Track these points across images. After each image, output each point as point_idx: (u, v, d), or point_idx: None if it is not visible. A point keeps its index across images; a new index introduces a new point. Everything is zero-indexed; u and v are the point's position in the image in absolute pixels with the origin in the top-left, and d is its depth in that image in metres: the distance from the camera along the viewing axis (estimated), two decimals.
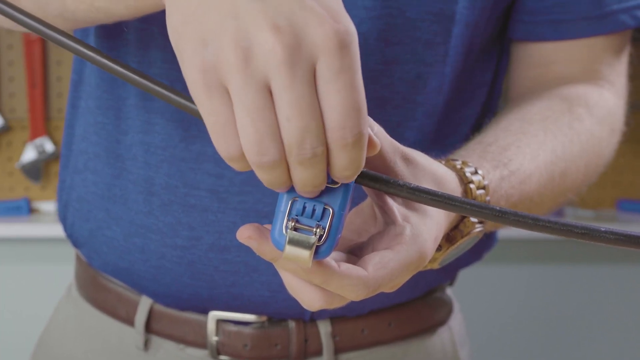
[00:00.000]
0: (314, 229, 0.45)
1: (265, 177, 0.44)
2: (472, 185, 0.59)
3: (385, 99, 0.73)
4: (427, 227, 0.52)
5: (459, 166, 0.59)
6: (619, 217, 2.28)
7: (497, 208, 0.44)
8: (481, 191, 0.60)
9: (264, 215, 0.73)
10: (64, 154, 0.85)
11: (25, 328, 2.09)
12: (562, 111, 0.74)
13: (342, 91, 0.42)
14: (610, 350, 2.27)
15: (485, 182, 0.60)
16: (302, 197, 0.46)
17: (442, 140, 0.76)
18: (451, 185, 0.56)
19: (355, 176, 0.45)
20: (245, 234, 0.47)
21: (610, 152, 0.80)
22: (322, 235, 0.45)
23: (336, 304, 0.50)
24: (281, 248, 0.46)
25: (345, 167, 0.44)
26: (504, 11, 0.79)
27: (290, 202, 0.46)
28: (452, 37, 0.74)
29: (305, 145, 0.42)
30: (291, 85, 0.41)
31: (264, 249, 0.47)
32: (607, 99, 0.79)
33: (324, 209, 0.46)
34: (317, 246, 0.45)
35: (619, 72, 0.81)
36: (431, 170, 0.55)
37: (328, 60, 0.41)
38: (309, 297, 0.49)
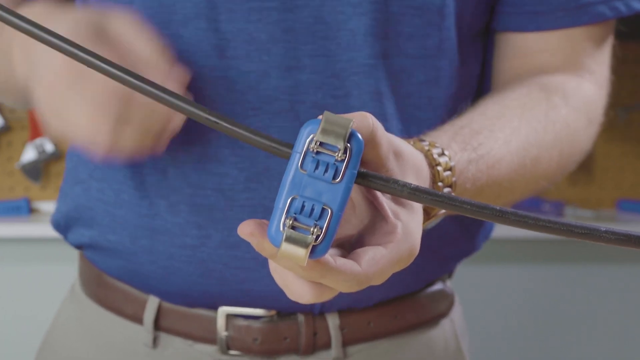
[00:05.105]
0: (312, 228, 0.45)
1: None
2: (439, 168, 0.60)
3: (379, 92, 0.74)
4: (415, 223, 0.52)
5: (426, 147, 0.60)
6: (619, 217, 2.28)
7: (497, 208, 0.44)
8: (448, 173, 0.60)
9: (271, 210, 0.73)
10: (68, 167, 0.85)
11: (25, 328, 2.10)
12: (539, 99, 0.75)
13: None
14: (609, 349, 2.28)
15: (452, 164, 0.61)
16: (301, 195, 0.46)
17: None
18: (424, 173, 0.57)
19: None
20: (247, 230, 0.47)
21: (587, 142, 0.80)
22: (319, 235, 0.45)
23: (325, 298, 0.50)
24: (277, 245, 0.46)
25: None
26: (490, 4, 0.79)
27: (289, 200, 0.46)
28: (443, 30, 0.74)
29: None
30: None
31: (263, 246, 0.47)
32: (585, 90, 0.79)
33: (323, 209, 0.46)
34: (313, 245, 0.45)
35: (600, 62, 0.82)
36: (413, 161, 0.55)
37: None
38: (300, 291, 0.49)
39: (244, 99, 0.72)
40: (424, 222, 0.58)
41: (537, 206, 2.25)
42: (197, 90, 0.72)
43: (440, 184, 0.60)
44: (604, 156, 2.33)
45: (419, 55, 0.74)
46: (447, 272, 0.85)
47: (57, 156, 2.19)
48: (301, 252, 0.45)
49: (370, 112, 0.73)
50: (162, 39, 0.72)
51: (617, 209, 2.34)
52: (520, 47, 0.80)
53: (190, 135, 0.73)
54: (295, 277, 0.49)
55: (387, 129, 0.77)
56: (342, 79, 0.72)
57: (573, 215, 2.26)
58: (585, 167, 2.35)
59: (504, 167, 0.68)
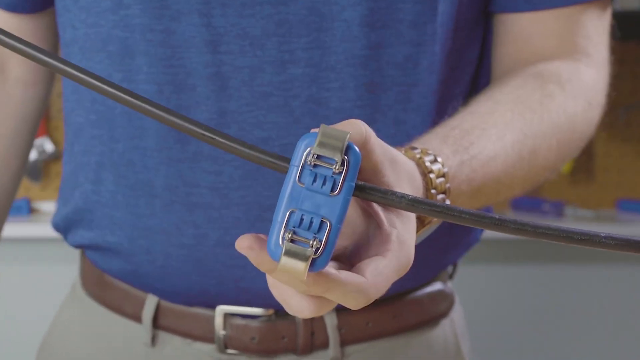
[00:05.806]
0: (311, 242, 0.45)
1: None
2: (432, 175, 0.59)
3: (375, 83, 0.73)
4: (409, 231, 0.52)
5: (418, 155, 0.59)
6: (619, 217, 2.28)
7: (497, 217, 0.44)
8: (441, 179, 0.60)
9: (266, 208, 0.73)
10: (65, 171, 0.85)
11: (25, 328, 2.10)
12: (533, 89, 0.74)
13: None
14: (610, 349, 2.28)
15: (445, 170, 0.60)
16: (300, 209, 0.46)
17: (441, 120, 0.76)
18: (417, 182, 0.57)
19: None
20: (246, 244, 0.47)
21: (587, 127, 0.79)
22: (319, 248, 0.45)
23: (324, 311, 0.50)
24: (277, 259, 0.46)
25: None
26: None
27: (288, 213, 0.46)
28: (438, 15, 0.73)
29: None
30: None
31: (262, 260, 0.47)
32: (582, 73, 0.78)
33: (321, 222, 0.46)
34: (313, 258, 0.45)
35: (596, 43, 0.81)
36: (405, 168, 0.55)
37: None
38: (299, 306, 0.49)
39: (237, 95, 0.72)
40: (418, 230, 0.58)
41: (537, 206, 2.25)
42: (190, 87, 0.72)
43: (433, 191, 0.59)
44: (604, 156, 2.33)
45: (421, 42, 0.73)
46: (445, 266, 0.85)
47: (57, 156, 2.19)
48: (301, 266, 0.45)
49: (365, 104, 0.73)
50: (154, 34, 0.72)
51: (617, 209, 2.34)
52: (517, 30, 0.79)
53: (184, 133, 0.73)
54: (293, 291, 0.48)
55: (383, 122, 0.76)
56: (337, 71, 0.72)
57: (573, 216, 2.26)
58: (585, 167, 2.35)
59: (500, 163, 0.67)
